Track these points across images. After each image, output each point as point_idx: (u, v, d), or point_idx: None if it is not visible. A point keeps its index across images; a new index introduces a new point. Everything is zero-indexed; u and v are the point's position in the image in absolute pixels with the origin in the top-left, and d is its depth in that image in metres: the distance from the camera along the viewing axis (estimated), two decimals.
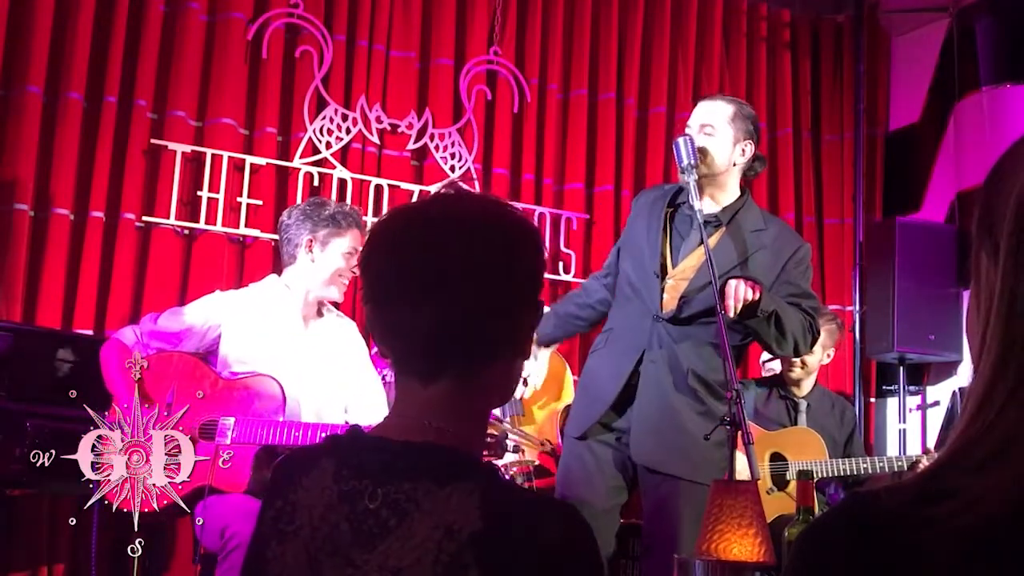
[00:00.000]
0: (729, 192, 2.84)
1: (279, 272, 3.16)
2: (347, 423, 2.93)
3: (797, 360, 3.68)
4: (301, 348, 2.98)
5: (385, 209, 4.08)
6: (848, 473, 3.56)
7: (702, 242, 2.60)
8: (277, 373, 2.83)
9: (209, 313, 2.95)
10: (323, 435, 2.61)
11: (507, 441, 2.92)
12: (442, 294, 1.12)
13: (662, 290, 2.76)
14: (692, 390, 2.69)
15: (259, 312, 2.98)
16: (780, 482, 3.62)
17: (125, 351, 2.76)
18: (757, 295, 2.54)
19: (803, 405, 3.79)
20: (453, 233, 1.15)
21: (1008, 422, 0.74)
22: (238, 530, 2.49)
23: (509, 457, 3.32)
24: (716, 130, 2.80)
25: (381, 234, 1.20)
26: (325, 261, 3.01)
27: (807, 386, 3.82)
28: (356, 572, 1.07)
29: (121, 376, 2.71)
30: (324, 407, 2.94)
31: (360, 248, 2.82)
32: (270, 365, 2.86)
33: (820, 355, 3.76)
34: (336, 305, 3.22)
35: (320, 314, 3.10)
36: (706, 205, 2.78)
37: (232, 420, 2.70)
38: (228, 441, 2.65)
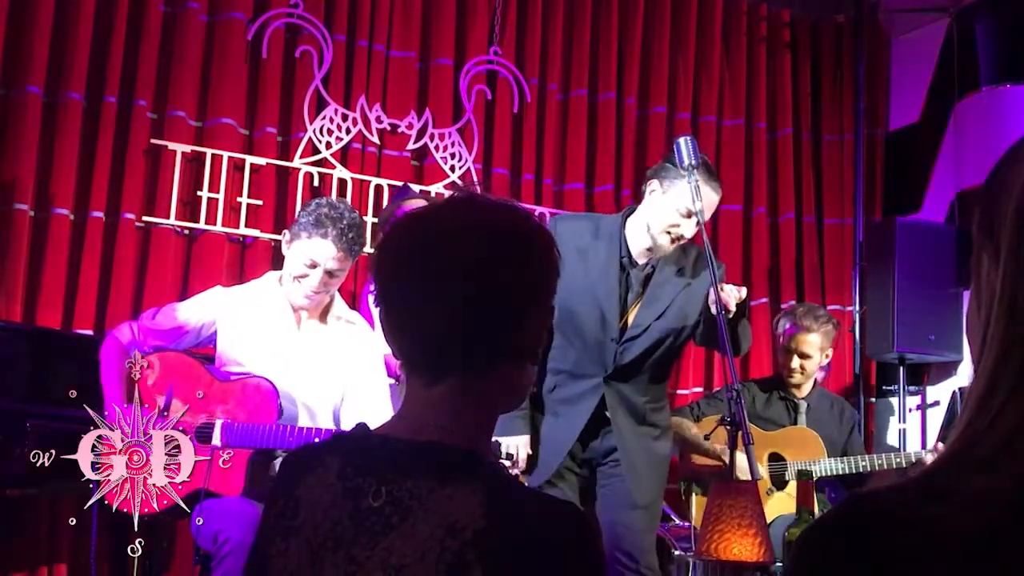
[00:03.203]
0: None
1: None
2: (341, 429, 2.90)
3: (796, 366, 3.73)
4: (291, 348, 2.87)
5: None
6: (848, 472, 3.56)
7: (703, 245, 2.64)
8: (267, 373, 2.75)
9: (204, 310, 2.89)
10: (316, 439, 2.58)
11: (499, 449, 2.90)
12: (447, 297, 1.13)
13: (617, 350, 2.91)
14: (652, 423, 2.97)
15: (253, 309, 2.90)
16: (779, 482, 3.62)
17: (124, 350, 2.74)
18: (744, 293, 2.68)
19: (803, 406, 3.79)
20: (462, 237, 1.15)
21: (1009, 422, 0.74)
22: (231, 535, 2.43)
23: None
24: None
25: (392, 237, 1.21)
26: (288, 259, 2.87)
27: (807, 388, 3.83)
28: (358, 569, 1.07)
29: (119, 375, 2.69)
30: (316, 410, 2.86)
31: (323, 263, 2.79)
32: (259, 364, 2.79)
33: (819, 357, 3.77)
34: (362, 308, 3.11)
35: (323, 316, 2.94)
36: (640, 245, 2.95)
37: (225, 423, 2.64)
38: (220, 444, 2.61)
